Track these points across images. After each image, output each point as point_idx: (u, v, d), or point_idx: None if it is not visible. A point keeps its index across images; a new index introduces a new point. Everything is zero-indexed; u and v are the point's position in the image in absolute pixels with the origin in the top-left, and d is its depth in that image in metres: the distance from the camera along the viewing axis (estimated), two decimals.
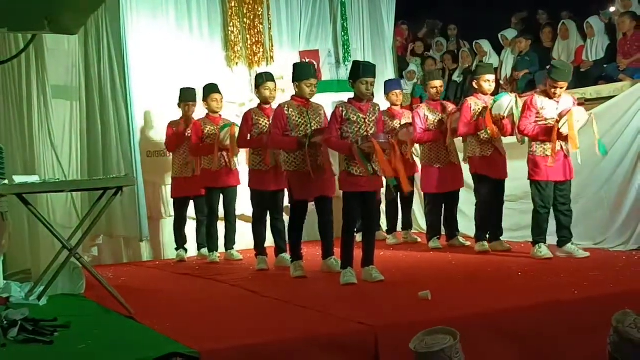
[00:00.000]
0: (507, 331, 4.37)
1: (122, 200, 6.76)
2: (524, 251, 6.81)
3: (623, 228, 6.81)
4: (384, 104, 8.39)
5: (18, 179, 5.23)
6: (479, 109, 7.08)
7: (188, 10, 8.79)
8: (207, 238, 7.72)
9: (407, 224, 8.42)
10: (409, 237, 8.31)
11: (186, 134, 7.73)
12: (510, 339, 4.36)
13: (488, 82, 7.21)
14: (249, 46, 9.00)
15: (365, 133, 5.74)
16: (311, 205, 6.47)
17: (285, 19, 9.41)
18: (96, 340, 4.13)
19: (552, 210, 6.53)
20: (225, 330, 4.34)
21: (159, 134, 8.22)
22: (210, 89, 7.65)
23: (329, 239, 6.42)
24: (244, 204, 7.79)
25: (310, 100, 6.33)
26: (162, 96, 8.24)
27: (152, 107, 8.39)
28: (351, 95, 6.00)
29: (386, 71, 9.91)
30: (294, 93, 6.38)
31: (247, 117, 6.99)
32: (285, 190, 7.04)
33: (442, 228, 7.81)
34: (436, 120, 7.58)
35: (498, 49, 10.08)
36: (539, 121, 6.44)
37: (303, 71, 6.31)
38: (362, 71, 5.80)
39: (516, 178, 6.96)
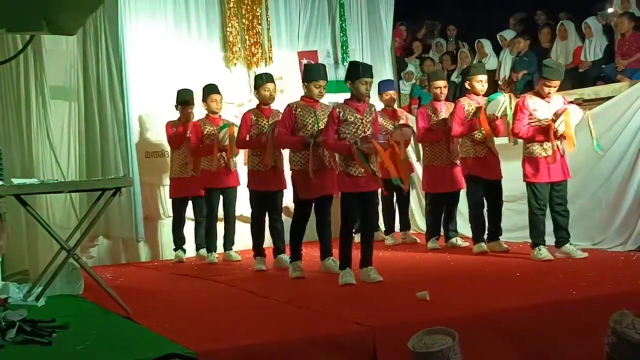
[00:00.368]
0: (505, 332, 4.37)
1: (120, 201, 6.76)
2: (523, 252, 6.81)
3: (621, 228, 6.81)
4: (378, 105, 8.40)
5: (16, 182, 5.23)
6: (472, 109, 7.08)
7: (186, 11, 8.78)
8: (206, 239, 7.72)
9: (405, 225, 8.42)
10: (407, 237, 8.31)
11: (187, 135, 7.72)
12: (508, 340, 4.36)
13: (481, 82, 7.20)
14: (247, 47, 8.99)
15: (362, 134, 5.75)
16: None
17: (283, 20, 9.41)
18: (94, 340, 4.13)
19: (548, 211, 6.54)
20: (224, 331, 4.34)
21: (157, 135, 8.22)
22: (210, 90, 7.64)
23: (327, 239, 6.43)
24: (242, 205, 7.79)
25: (320, 101, 6.33)
26: (161, 97, 8.22)
27: (151, 108, 8.37)
28: (348, 96, 6.00)
29: (384, 72, 9.90)
30: (293, 93, 6.39)
31: (246, 117, 6.99)
32: (284, 191, 7.07)
33: (441, 229, 7.81)
34: (439, 121, 7.58)
35: (496, 49, 10.08)
36: (532, 122, 6.44)
37: (312, 72, 6.33)
38: (361, 71, 5.81)
39: (514, 179, 6.96)
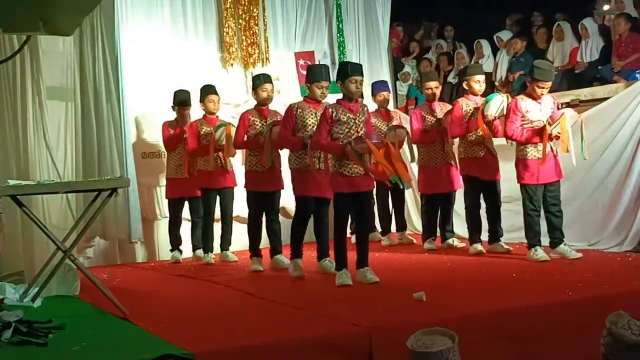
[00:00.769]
0: (501, 332, 4.38)
1: (116, 202, 6.75)
2: (519, 252, 6.81)
3: (617, 229, 6.81)
4: (372, 106, 8.40)
5: (12, 182, 5.22)
6: (470, 109, 7.08)
7: (183, 11, 8.78)
8: (202, 239, 7.71)
9: (401, 225, 8.42)
10: (404, 238, 8.31)
11: (184, 136, 7.71)
12: (504, 340, 4.37)
13: (478, 82, 7.20)
14: (244, 47, 8.99)
15: (355, 134, 5.75)
16: None
17: (280, 20, 9.41)
18: (90, 341, 4.13)
19: (542, 212, 6.55)
20: (220, 332, 4.34)
21: (154, 136, 8.21)
22: (207, 91, 7.64)
23: (324, 240, 6.42)
24: (239, 205, 7.79)
25: (322, 101, 6.34)
26: (157, 98, 8.21)
27: (147, 109, 8.37)
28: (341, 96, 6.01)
29: (381, 72, 9.91)
30: (289, 93, 6.39)
31: (244, 117, 6.98)
32: (282, 191, 7.07)
33: (437, 229, 7.81)
34: (433, 122, 7.58)
35: (493, 50, 10.09)
36: (525, 124, 6.44)
37: (314, 73, 6.33)
38: (350, 70, 5.82)
39: (511, 179, 6.96)
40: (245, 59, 8.98)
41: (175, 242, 7.98)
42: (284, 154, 6.72)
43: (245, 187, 7.05)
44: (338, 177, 5.79)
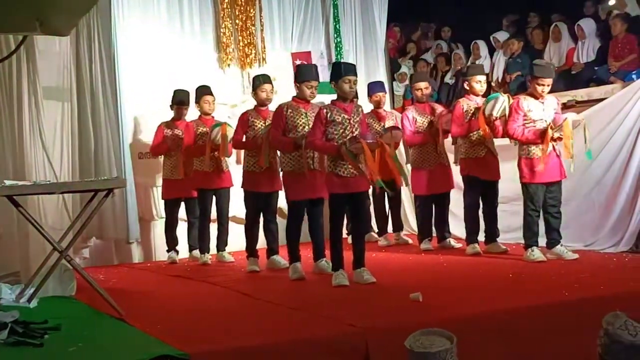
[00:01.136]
0: (498, 333, 4.37)
1: (113, 202, 6.74)
2: (516, 253, 6.82)
3: (614, 230, 6.82)
4: (369, 106, 8.40)
5: (8, 183, 5.21)
6: (471, 109, 7.09)
7: (180, 12, 8.78)
8: (198, 240, 7.70)
9: (398, 226, 8.42)
10: (400, 238, 8.31)
11: (180, 136, 7.72)
12: (501, 341, 4.36)
13: (479, 82, 7.21)
14: (241, 47, 8.99)
15: (350, 134, 5.75)
16: None
17: (277, 21, 9.41)
18: (87, 342, 4.13)
19: (541, 212, 6.55)
20: (216, 333, 4.33)
21: (151, 136, 8.18)
22: (202, 91, 7.65)
23: (320, 240, 6.43)
24: (235, 206, 7.78)
25: (311, 102, 6.33)
26: (154, 98, 8.22)
27: (144, 109, 8.36)
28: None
29: (378, 73, 9.92)
30: (286, 94, 6.39)
31: (243, 118, 6.98)
32: (279, 192, 7.06)
33: (434, 230, 7.81)
34: (425, 123, 7.59)
35: (490, 51, 10.10)
36: (527, 124, 6.45)
37: (304, 73, 6.32)
38: (343, 70, 5.82)
39: (508, 179, 6.98)
40: (242, 59, 8.98)
41: (172, 242, 7.98)
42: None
43: (242, 187, 7.05)
44: (333, 178, 5.79)
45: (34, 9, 4.90)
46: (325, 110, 5.81)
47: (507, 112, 6.69)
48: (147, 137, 8.28)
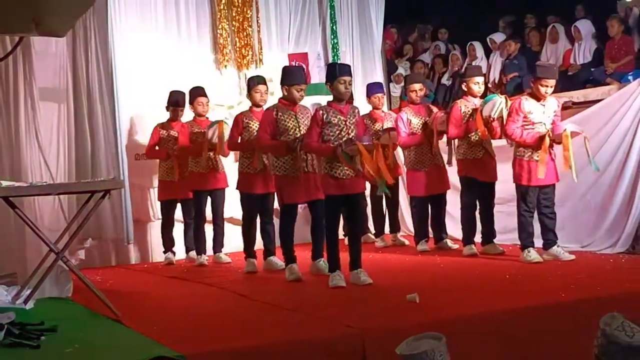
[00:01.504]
0: (495, 334, 4.37)
1: (109, 203, 6.74)
2: (512, 254, 6.81)
3: (610, 231, 6.83)
4: (366, 107, 8.41)
5: (5, 184, 5.20)
6: (468, 111, 7.09)
7: (176, 13, 8.76)
8: (194, 241, 7.70)
9: (395, 227, 8.42)
10: (397, 240, 8.31)
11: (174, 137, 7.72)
12: (498, 342, 4.36)
13: (477, 84, 7.21)
14: (237, 49, 8.98)
15: (346, 135, 5.75)
16: (300, 208, 6.46)
17: (274, 22, 9.40)
18: (83, 343, 4.12)
19: (536, 213, 6.56)
20: (213, 334, 4.33)
21: (147, 137, 8.18)
22: (196, 93, 7.65)
23: (320, 240, 6.41)
24: (232, 207, 7.78)
25: (298, 103, 6.33)
26: (151, 99, 8.21)
27: (141, 110, 8.35)
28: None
29: (375, 74, 9.92)
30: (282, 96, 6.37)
31: (238, 120, 6.98)
32: (275, 193, 7.06)
33: (430, 231, 7.82)
34: (420, 124, 7.59)
35: (486, 52, 10.11)
36: (527, 125, 6.45)
37: (294, 76, 6.30)
38: (338, 71, 5.82)
39: (504, 181, 6.97)
40: (239, 60, 8.97)
41: (168, 243, 7.97)
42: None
43: (237, 188, 7.04)
44: (329, 180, 5.79)
45: (31, 9, 4.90)
46: (321, 112, 5.81)
47: (504, 114, 6.70)
48: (144, 138, 8.27)
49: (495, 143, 7.09)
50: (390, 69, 10.79)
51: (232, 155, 7.58)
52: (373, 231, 8.55)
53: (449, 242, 7.68)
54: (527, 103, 6.47)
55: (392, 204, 8.32)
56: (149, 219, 8.40)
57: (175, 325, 4.61)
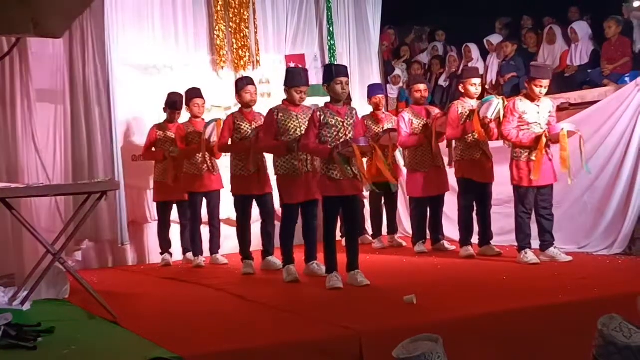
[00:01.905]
0: (492, 335, 4.38)
1: (105, 205, 6.71)
2: (510, 255, 6.83)
3: (607, 232, 6.84)
4: (367, 109, 8.41)
5: (1, 185, 5.19)
6: (465, 112, 7.10)
7: (173, 14, 8.75)
8: (191, 243, 7.70)
9: (392, 228, 8.42)
10: (394, 241, 8.31)
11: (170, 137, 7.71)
12: (495, 343, 4.37)
13: (474, 85, 7.22)
14: (234, 50, 8.98)
15: (343, 137, 5.75)
16: None
17: (271, 23, 9.40)
18: (80, 345, 4.12)
19: (533, 215, 6.56)
20: (210, 335, 4.33)
21: (144, 138, 8.17)
22: (193, 94, 7.66)
23: (312, 243, 6.43)
24: (230, 208, 7.77)
25: (301, 104, 6.33)
26: (147, 100, 8.21)
27: (137, 111, 8.34)
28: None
29: (372, 75, 9.92)
30: (279, 96, 6.40)
31: (229, 121, 6.99)
32: (272, 194, 7.06)
33: (428, 232, 7.82)
34: (421, 125, 7.60)
35: (483, 54, 10.12)
36: (522, 126, 6.46)
37: (294, 78, 6.32)
38: (335, 72, 5.83)
39: (501, 182, 6.99)
40: (236, 61, 8.97)
41: (165, 245, 7.96)
42: (270, 158, 6.71)
43: (231, 191, 7.04)
44: (326, 181, 5.79)
45: (28, 11, 4.90)
46: (319, 113, 5.81)
47: (501, 115, 6.71)
48: (141, 139, 8.26)
49: (492, 144, 7.11)
50: (387, 70, 10.80)
51: (226, 158, 7.57)
52: (370, 232, 8.55)
53: (446, 244, 7.68)
54: (522, 103, 6.48)
55: (391, 205, 8.33)
56: (146, 220, 8.38)
57: (172, 327, 4.61)
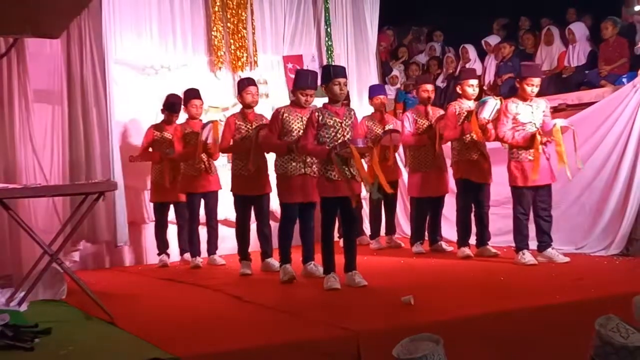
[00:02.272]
0: (490, 336, 4.38)
1: (103, 205, 6.71)
2: (507, 256, 6.83)
3: (604, 233, 6.85)
4: (365, 109, 8.40)
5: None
6: (463, 113, 7.10)
7: (171, 15, 8.74)
8: (188, 243, 7.69)
9: (391, 229, 8.42)
10: (392, 242, 8.31)
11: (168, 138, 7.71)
12: (493, 344, 4.37)
13: (472, 86, 7.23)
14: (232, 51, 8.97)
15: (342, 137, 5.75)
16: None
17: (269, 24, 9.40)
18: (77, 346, 4.11)
19: (532, 215, 6.56)
20: (207, 336, 4.32)
21: (141, 139, 8.17)
22: (191, 95, 7.65)
23: (310, 243, 6.43)
24: (228, 209, 7.77)
25: (307, 107, 6.34)
26: (145, 100, 8.20)
27: (134, 112, 8.33)
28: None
29: (370, 76, 9.92)
30: (277, 97, 6.40)
31: (230, 121, 6.99)
32: (270, 195, 7.05)
33: (426, 233, 7.82)
34: (425, 125, 7.60)
35: (481, 55, 10.13)
36: (516, 127, 6.47)
37: (300, 80, 6.33)
38: (333, 73, 5.82)
39: (499, 183, 6.99)
40: (234, 62, 8.96)
41: (162, 245, 7.96)
42: (270, 158, 6.72)
43: (231, 190, 7.04)
44: (324, 182, 5.79)
45: (25, 11, 4.89)
46: (317, 114, 5.81)
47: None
48: (138, 140, 8.26)
49: (490, 145, 7.11)
50: (384, 71, 10.80)
51: (223, 158, 7.56)
52: (368, 233, 8.55)
53: (444, 245, 7.68)
54: (514, 105, 6.50)
55: (390, 206, 8.33)
56: (144, 221, 8.37)
57: (169, 328, 4.60)
